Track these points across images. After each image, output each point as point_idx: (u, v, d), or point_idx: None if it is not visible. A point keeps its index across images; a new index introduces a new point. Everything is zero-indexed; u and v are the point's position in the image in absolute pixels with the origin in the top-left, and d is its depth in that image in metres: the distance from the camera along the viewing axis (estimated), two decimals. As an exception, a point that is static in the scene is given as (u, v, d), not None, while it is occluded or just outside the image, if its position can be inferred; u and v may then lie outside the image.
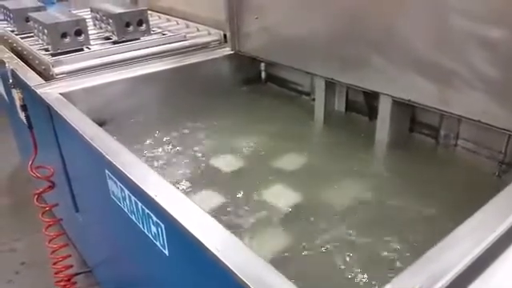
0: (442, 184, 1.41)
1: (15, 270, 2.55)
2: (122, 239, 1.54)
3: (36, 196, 2.02)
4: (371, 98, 1.73)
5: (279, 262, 1.13)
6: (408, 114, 1.65)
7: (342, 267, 1.12)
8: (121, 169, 1.15)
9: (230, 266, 0.79)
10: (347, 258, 1.14)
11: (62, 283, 2.11)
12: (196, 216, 0.96)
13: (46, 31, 1.97)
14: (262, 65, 2.27)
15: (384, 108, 1.59)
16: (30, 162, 2.04)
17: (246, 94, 2.19)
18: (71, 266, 2.14)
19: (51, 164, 2.00)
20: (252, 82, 2.27)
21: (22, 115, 2.06)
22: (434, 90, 1.37)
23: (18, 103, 2.04)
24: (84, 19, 2.04)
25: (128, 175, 1.12)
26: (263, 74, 2.29)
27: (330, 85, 1.83)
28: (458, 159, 1.55)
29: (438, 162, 1.58)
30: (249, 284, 0.75)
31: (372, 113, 1.78)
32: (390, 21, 1.43)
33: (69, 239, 2.37)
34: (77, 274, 2.22)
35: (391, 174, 1.53)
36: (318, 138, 1.85)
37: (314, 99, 1.95)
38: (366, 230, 1.23)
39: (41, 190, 2.02)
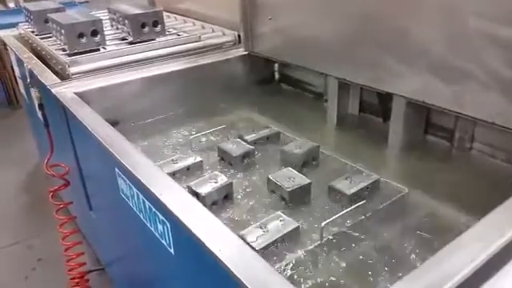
0: (457, 187, 1.38)
1: (32, 267, 2.60)
2: (132, 237, 1.55)
3: (51, 193, 2.06)
4: (385, 99, 1.70)
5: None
6: (423, 115, 1.62)
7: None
8: (128, 167, 1.15)
9: (230, 266, 0.79)
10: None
11: (76, 280, 2.14)
12: (200, 216, 0.96)
13: (63, 31, 2.00)
14: (276, 65, 2.26)
15: (397, 109, 1.57)
16: (45, 161, 2.08)
17: (260, 94, 2.18)
18: (84, 264, 2.17)
19: (66, 162, 2.03)
20: (265, 82, 2.26)
21: (39, 114, 2.11)
22: (448, 91, 1.34)
23: (35, 102, 2.09)
24: (100, 20, 2.07)
25: (135, 174, 1.12)
26: (277, 75, 2.28)
27: (344, 86, 1.81)
28: (474, 162, 1.51)
29: (453, 165, 1.54)
30: (247, 285, 0.74)
31: (386, 114, 1.75)
32: (404, 21, 1.41)
33: (83, 237, 2.41)
34: (90, 272, 2.25)
35: (405, 178, 1.50)
36: (330, 140, 1.82)
37: (326, 100, 1.93)
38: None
39: (56, 187, 2.06)
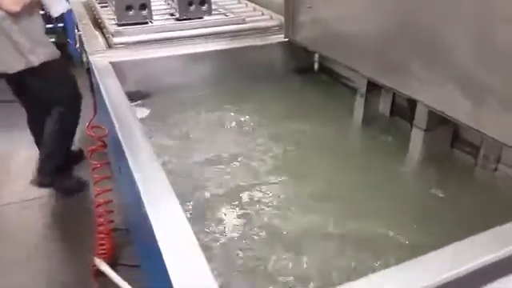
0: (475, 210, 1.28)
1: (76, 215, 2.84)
2: (135, 210, 1.63)
3: (90, 152, 2.21)
4: (412, 104, 1.59)
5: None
6: (450, 127, 1.50)
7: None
8: (125, 151, 1.21)
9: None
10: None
11: (102, 235, 2.31)
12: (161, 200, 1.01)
13: (113, 2, 2.11)
14: (316, 55, 2.20)
15: (420, 117, 1.47)
16: (88, 122, 2.24)
17: (294, 83, 2.14)
18: (112, 221, 2.32)
19: (106, 125, 2.17)
20: (304, 72, 2.22)
21: (88, 77, 2.26)
22: (468, 106, 1.23)
23: (85, 66, 2.25)
24: (148, -6, 2.15)
25: (128, 158, 1.18)
26: (316, 65, 2.23)
27: (376, 85, 1.72)
28: (496, 184, 1.38)
29: (474, 185, 1.42)
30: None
31: (413, 120, 1.64)
32: (438, 29, 1.29)
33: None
34: (115, 230, 2.40)
35: (418, 195, 1.41)
36: (346, 140, 1.76)
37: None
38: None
39: (94, 147, 2.21)
